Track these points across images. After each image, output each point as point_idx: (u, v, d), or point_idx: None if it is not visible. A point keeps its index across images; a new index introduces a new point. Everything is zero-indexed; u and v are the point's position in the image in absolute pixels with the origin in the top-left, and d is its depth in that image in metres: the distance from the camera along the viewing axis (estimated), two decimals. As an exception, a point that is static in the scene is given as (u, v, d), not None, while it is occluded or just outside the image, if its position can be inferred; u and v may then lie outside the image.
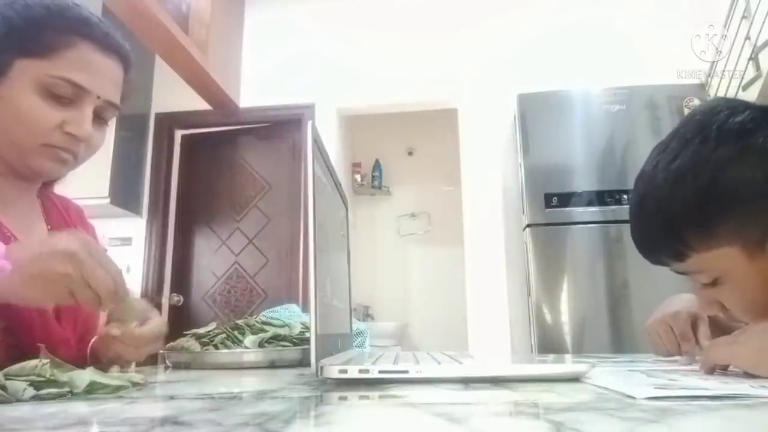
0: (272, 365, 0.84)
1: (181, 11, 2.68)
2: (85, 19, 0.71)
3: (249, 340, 0.87)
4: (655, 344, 0.86)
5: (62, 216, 0.85)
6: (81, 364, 0.77)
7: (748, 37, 2.21)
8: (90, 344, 0.79)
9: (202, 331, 0.92)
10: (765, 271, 0.63)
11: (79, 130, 0.70)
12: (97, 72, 0.71)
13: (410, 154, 4.42)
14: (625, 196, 2.36)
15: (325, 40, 3.34)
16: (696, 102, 2.46)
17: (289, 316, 1.07)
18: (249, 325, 0.92)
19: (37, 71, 0.67)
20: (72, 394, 0.45)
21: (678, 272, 0.70)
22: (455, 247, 3.38)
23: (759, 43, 2.19)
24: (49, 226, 0.80)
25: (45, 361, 0.48)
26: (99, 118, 0.74)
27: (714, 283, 0.68)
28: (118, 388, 0.48)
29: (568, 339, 2.37)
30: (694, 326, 0.83)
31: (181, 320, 3.09)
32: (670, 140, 0.69)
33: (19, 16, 0.68)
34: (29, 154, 0.70)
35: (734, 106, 0.67)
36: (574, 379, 0.53)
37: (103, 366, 0.75)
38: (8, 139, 0.70)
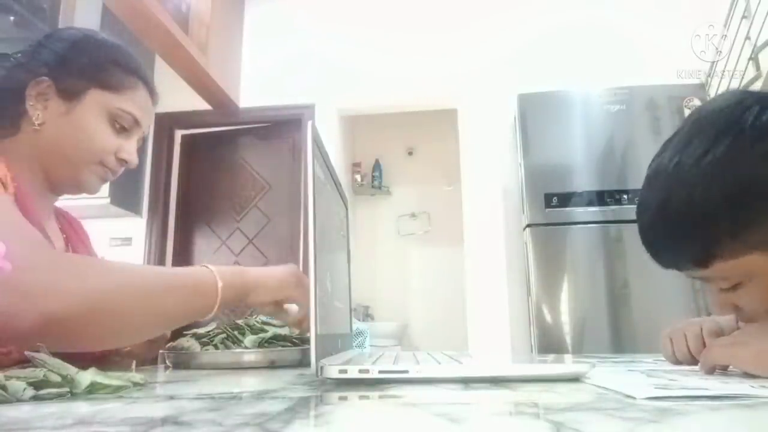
0: (272, 365, 0.84)
1: (181, 11, 2.68)
2: (142, 64, 0.85)
3: (249, 340, 0.87)
4: (677, 346, 0.79)
5: (71, 227, 0.90)
6: (102, 357, 0.80)
7: (748, 37, 2.21)
8: None
9: (202, 331, 0.92)
10: None
11: (130, 157, 0.82)
12: (146, 110, 0.84)
13: (410, 154, 4.42)
14: (625, 196, 2.35)
15: (325, 40, 3.34)
16: (696, 102, 2.46)
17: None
18: (249, 325, 0.92)
19: (108, 102, 0.79)
20: (72, 394, 0.45)
21: (695, 277, 0.67)
22: (455, 247, 3.38)
23: (759, 43, 2.19)
24: (64, 235, 0.86)
25: (41, 358, 0.49)
26: None
27: (734, 287, 0.65)
28: (119, 388, 0.48)
29: (568, 339, 2.37)
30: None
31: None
32: (691, 135, 0.63)
33: (98, 52, 0.81)
34: (83, 169, 0.80)
35: (762, 99, 0.62)
36: (574, 379, 0.52)
37: (122, 359, 0.82)
38: (67, 155, 0.78)
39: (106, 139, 0.79)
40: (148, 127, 0.86)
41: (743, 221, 0.59)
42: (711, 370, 0.58)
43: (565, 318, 2.39)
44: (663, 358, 0.84)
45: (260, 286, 0.70)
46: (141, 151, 0.88)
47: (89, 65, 0.78)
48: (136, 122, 0.82)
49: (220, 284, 0.65)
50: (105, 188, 3.01)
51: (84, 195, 0.84)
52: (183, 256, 3.37)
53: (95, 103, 0.78)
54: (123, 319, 0.57)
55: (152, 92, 0.86)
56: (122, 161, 0.82)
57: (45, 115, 0.76)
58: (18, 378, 0.44)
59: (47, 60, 0.77)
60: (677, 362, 0.78)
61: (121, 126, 0.80)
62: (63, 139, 0.77)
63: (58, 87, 0.76)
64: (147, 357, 0.86)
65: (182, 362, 0.85)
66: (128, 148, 0.82)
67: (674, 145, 0.64)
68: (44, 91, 0.76)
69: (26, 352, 0.52)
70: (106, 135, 0.79)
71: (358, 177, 4.17)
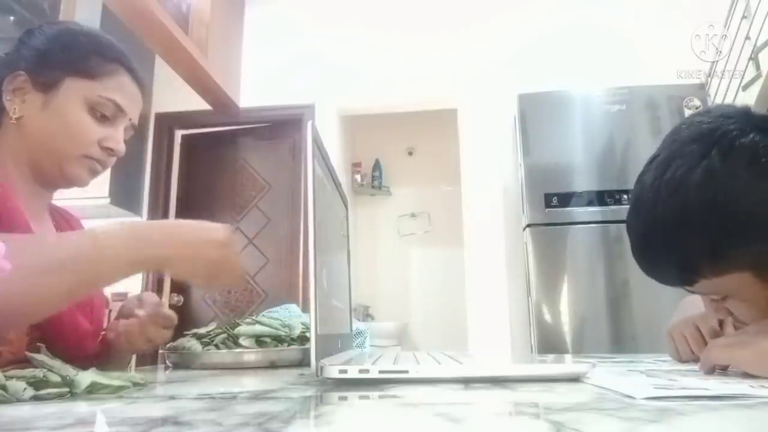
0: (272, 365, 0.84)
1: (181, 11, 2.68)
2: (124, 52, 0.82)
3: (242, 329, 0.88)
4: (679, 346, 0.80)
5: (68, 224, 0.89)
6: (97, 355, 0.80)
7: (748, 37, 2.21)
8: (102, 337, 0.83)
9: (202, 331, 0.92)
10: None
11: (116, 146, 0.80)
12: (131, 97, 0.82)
13: (410, 154, 4.42)
14: (625, 196, 2.35)
15: (325, 40, 3.34)
16: (696, 102, 2.46)
17: (288, 316, 1.07)
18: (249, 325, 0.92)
19: (87, 90, 0.77)
20: (72, 394, 0.45)
21: (688, 290, 0.69)
22: (455, 247, 3.38)
23: (759, 43, 2.19)
24: (59, 232, 0.84)
25: (41, 359, 0.49)
26: None
27: (724, 298, 0.67)
28: (119, 388, 0.48)
29: (568, 339, 2.37)
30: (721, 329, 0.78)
31: (181, 320, 3.08)
32: (670, 158, 0.64)
33: (74, 41, 0.79)
34: (68, 162, 0.78)
35: (739, 127, 0.62)
36: (574, 379, 0.53)
37: (123, 354, 0.82)
38: (50, 147, 0.77)
39: (86, 128, 0.77)
40: (136, 115, 0.84)
41: (720, 244, 0.60)
42: (711, 370, 0.58)
43: (565, 318, 2.39)
44: (663, 358, 0.84)
45: (175, 262, 0.63)
46: (139, 141, 0.85)
47: (65, 55, 0.77)
48: (120, 109, 0.80)
49: (107, 253, 0.58)
50: (105, 188, 3.02)
51: (84, 195, 0.84)
52: (183, 256, 3.37)
53: (73, 91, 0.76)
54: None
55: (137, 79, 0.83)
56: (108, 150, 0.80)
57: (23, 109, 0.75)
58: (18, 378, 0.44)
59: (25, 55, 0.77)
60: (682, 361, 0.78)
61: (103, 114, 0.78)
62: (44, 132, 0.76)
63: (35, 80, 0.76)
64: (133, 352, 0.85)
65: (182, 362, 0.85)
66: (114, 137, 0.80)
67: (654, 168, 0.66)
68: (21, 86, 0.76)
69: (26, 353, 0.52)
70: (87, 124, 0.77)
71: (358, 177, 4.17)
